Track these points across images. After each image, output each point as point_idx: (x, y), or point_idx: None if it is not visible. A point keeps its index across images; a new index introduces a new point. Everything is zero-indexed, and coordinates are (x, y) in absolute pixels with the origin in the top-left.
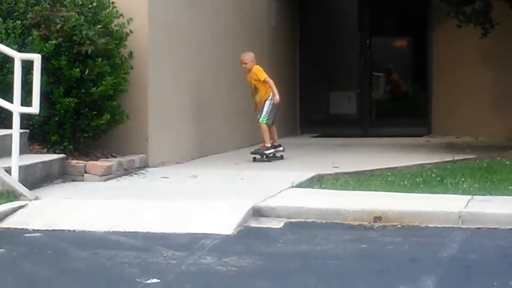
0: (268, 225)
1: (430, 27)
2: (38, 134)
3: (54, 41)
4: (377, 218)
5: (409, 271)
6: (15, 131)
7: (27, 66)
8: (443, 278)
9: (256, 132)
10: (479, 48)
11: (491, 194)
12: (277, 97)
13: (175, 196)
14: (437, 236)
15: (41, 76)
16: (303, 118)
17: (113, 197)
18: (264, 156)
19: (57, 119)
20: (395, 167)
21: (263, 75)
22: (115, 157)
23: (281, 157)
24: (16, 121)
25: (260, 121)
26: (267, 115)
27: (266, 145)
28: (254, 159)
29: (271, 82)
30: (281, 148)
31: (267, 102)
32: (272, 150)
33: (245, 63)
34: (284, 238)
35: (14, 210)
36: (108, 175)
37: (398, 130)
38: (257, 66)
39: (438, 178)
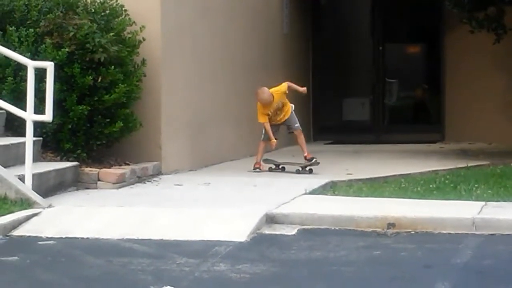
0: (281, 232)
1: (443, 33)
2: (51, 142)
3: (67, 49)
4: (391, 225)
5: (423, 277)
6: (29, 139)
7: (40, 74)
8: (457, 284)
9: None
10: (492, 54)
11: (504, 200)
12: (302, 88)
13: (189, 203)
14: (451, 242)
15: (54, 84)
16: (316, 125)
17: (127, 205)
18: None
19: (70, 126)
20: (409, 174)
21: (283, 86)
22: (128, 164)
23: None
24: (29, 129)
25: (300, 129)
26: None
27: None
28: (298, 171)
29: (289, 83)
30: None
31: (293, 112)
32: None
33: (271, 100)
34: (298, 245)
35: (28, 218)
36: (121, 182)
37: (411, 136)
38: (271, 89)
39: (451, 185)
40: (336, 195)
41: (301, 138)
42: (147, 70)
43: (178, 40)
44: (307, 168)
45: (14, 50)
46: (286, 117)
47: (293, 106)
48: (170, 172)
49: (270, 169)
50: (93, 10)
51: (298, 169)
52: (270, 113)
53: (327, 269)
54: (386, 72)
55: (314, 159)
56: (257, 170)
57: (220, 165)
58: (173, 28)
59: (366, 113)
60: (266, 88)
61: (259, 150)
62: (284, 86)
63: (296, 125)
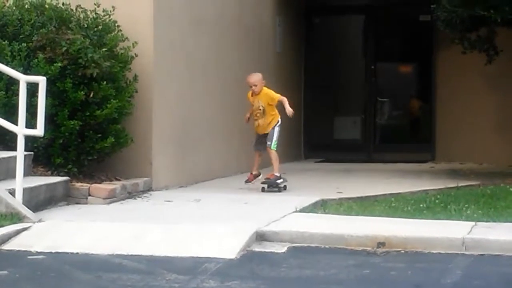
0: (271, 249)
1: (435, 53)
2: (42, 156)
3: (59, 64)
4: (381, 244)
5: None
6: (20, 153)
7: (32, 89)
8: None
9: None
10: (484, 74)
11: (494, 221)
12: (290, 109)
13: (179, 219)
14: (441, 262)
15: (46, 98)
16: (307, 143)
17: (117, 220)
18: (276, 186)
19: (61, 141)
20: (399, 193)
21: (277, 95)
22: (119, 180)
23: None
24: (20, 143)
25: (272, 148)
26: (277, 141)
27: (276, 174)
28: (263, 189)
29: (284, 99)
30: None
31: (276, 129)
32: (282, 180)
33: (255, 85)
34: (287, 263)
35: (18, 232)
36: (112, 198)
37: (402, 155)
38: (266, 88)
39: (441, 204)
40: (327, 213)
41: (271, 157)
42: (139, 86)
43: (170, 57)
44: (279, 185)
45: (7, 64)
46: (266, 131)
47: (280, 121)
48: (160, 188)
49: (263, 190)
50: (86, 26)
51: (263, 188)
52: (252, 104)
53: (317, 287)
54: (378, 91)
55: (268, 184)
56: (248, 182)
57: (210, 181)
58: (166, 44)
59: (357, 132)
60: (259, 75)
61: (254, 160)
62: (276, 97)
63: (268, 142)
